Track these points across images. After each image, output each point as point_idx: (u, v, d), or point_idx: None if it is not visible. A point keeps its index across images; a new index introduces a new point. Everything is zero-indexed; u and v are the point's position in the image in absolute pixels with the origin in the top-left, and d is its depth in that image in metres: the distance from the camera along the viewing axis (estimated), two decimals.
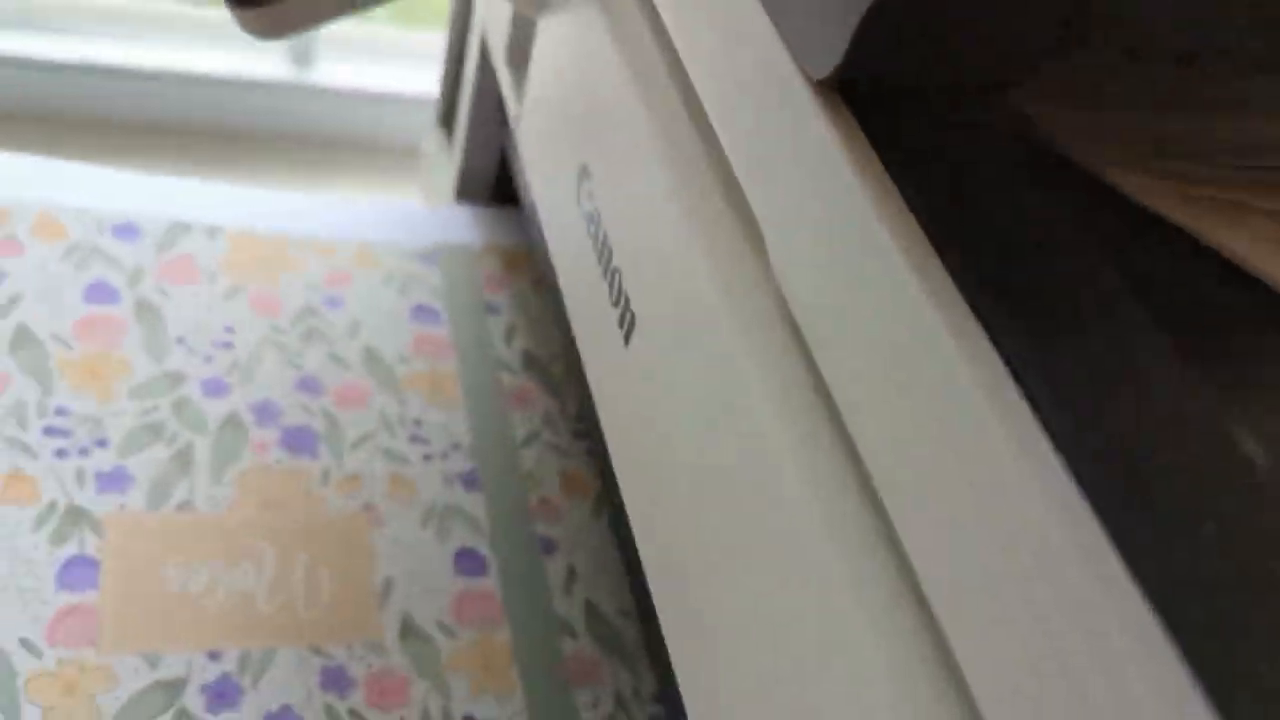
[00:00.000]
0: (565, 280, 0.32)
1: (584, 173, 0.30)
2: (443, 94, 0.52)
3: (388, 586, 0.34)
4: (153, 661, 0.30)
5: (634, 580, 0.36)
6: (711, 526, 0.22)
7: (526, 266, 0.45)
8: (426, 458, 0.37)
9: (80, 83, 0.88)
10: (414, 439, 0.38)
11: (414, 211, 0.46)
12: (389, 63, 0.96)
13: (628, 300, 0.26)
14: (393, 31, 0.97)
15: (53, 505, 0.32)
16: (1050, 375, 0.15)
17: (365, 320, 0.41)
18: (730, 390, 0.21)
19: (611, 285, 0.28)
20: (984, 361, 0.15)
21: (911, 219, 0.16)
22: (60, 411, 0.34)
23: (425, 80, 0.95)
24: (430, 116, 0.54)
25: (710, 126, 0.23)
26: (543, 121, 0.34)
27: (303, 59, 0.93)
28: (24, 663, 0.29)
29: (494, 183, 0.48)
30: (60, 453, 0.33)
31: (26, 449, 0.33)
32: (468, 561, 0.35)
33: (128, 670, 0.30)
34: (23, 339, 0.36)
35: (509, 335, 0.42)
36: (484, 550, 0.35)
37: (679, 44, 0.23)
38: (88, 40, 0.89)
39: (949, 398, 0.15)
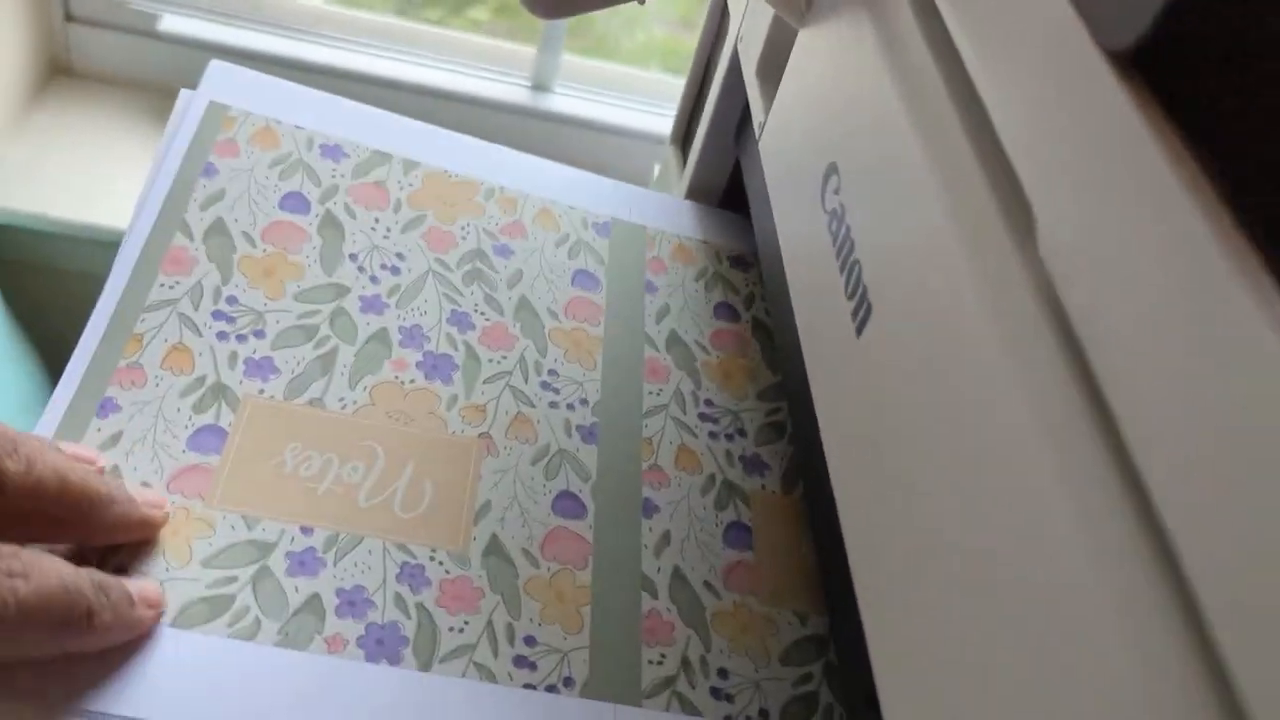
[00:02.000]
0: (795, 275, 0.32)
1: (831, 171, 0.30)
2: (681, 110, 0.53)
3: (485, 508, 0.35)
4: (251, 523, 0.32)
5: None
6: (949, 525, 0.21)
7: (688, 256, 0.46)
8: (553, 405, 0.39)
9: (342, 88, 0.95)
10: (545, 386, 0.39)
11: (604, 184, 0.48)
12: (622, 99, 0.99)
13: (865, 291, 0.26)
14: (630, 70, 1.01)
15: (202, 379, 0.35)
16: None
17: (528, 273, 0.43)
18: (982, 382, 0.21)
19: (849, 279, 0.28)
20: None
21: (1211, 191, 0.16)
22: (231, 300, 0.37)
23: (653, 120, 0.98)
24: (655, 151, 0.56)
25: (981, 113, 0.22)
26: (790, 126, 0.35)
27: (542, 86, 0.98)
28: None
29: (722, 194, 0.49)
30: (221, 335, 0.36)
31: (194, 326, 0.36)
32: (568, 503, 0.36)
33: (226, 525, 0.32)
34: (217, 230, 0.39)
35: (660, 315, 0.43)
36: (586, 497, 0.36)
37: (953, 25, 0.23)
38: (352, 51, 0.96)
39: (1263, 406, 0.14)
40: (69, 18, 0.91)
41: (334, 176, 0.43)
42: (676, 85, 0.99)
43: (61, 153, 0.87)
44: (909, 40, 0.26)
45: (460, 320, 0.40)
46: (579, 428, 0.38)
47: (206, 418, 0.34)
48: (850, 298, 0.27)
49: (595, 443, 0.38)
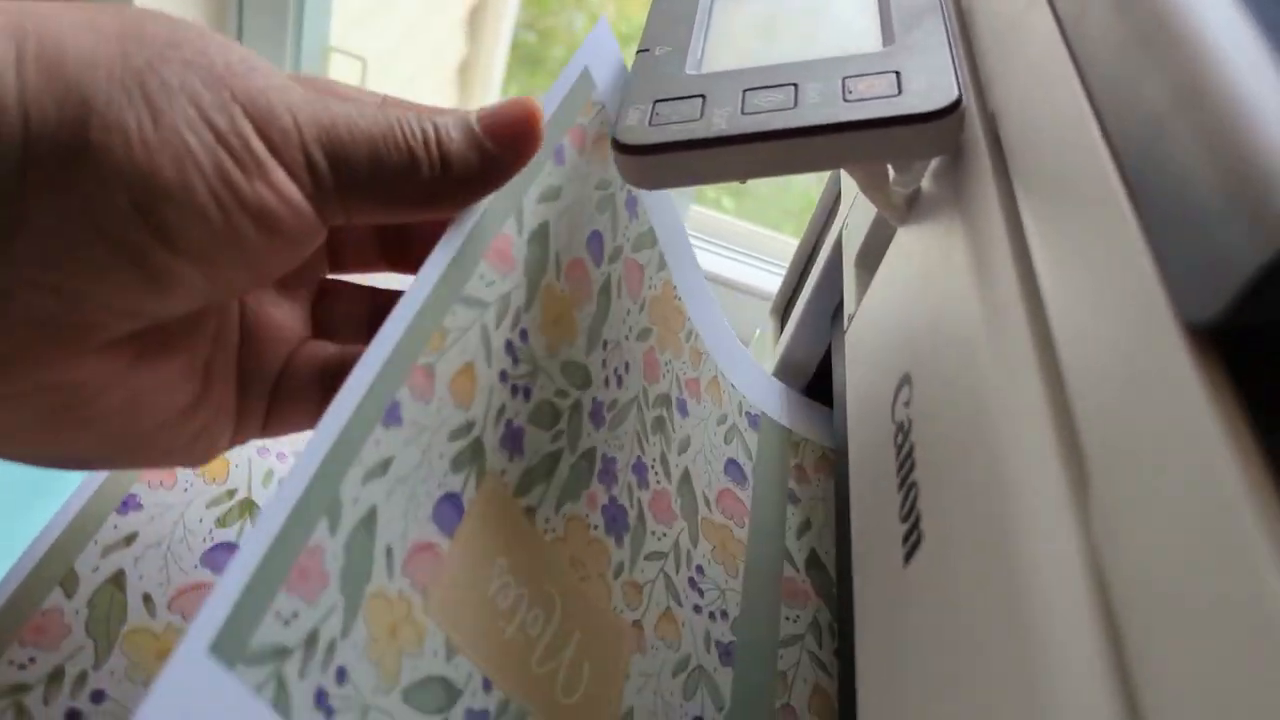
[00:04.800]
0: (856, 485, 0.31)
1: (905, 381, 0.29)
2: (785, 283, 0.53)
3: (627, 716, 0.32)
4: (450, 653, 0.26)
5: None
6: None
7: (831, 469, 0.44)
8: (697, 609, 0.36)
9: None
10: (692, 584, 0.36)
11: (759, 370, 0.45)
12: (741, 255, 1.00)
13: (919, 518, 0.25)
14: (751, 228, 1.01)
15: (471, 425, 0.28)
16: None
17: (694, 443, 0.39)
18: (1019, 640, 0.19)
19: (905, 499, 0.26)
20: None
21: (1272, 485, 0.14)
22: (523, 335, 0.30)
23: (766, 278, 0.98)
24: (764, 312, 0.55)
25: (1053, 359, 0.21)
26: (876, 323, 0.33)
27: None
28: (379, 575, 0.24)
29: (810, 378, 0.48)
30: (503, 375, 0.30)
31: (488, 350, 0.29)
32: None
33: (432, 645, 0.26)
34: (540, 235, 0.31)
35: (801, 529, 0.40)
36: None
37: (1041, 268, 0.22)
38: None
39: None
40: None
41: (625, 236, 0.36)
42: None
43: None
44: (998, 266, 0.25)
45: (640, 473, 0.36)
46: (718, 644, 0.35)
47: (456, 482, 0.27)
48: (904, 520, 0.26)
49: (732, 665, 0.35)
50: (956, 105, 0.29)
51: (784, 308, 0.53)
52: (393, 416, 0.25)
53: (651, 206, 0.38)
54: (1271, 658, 0.13)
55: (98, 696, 0.29)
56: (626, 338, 0.35)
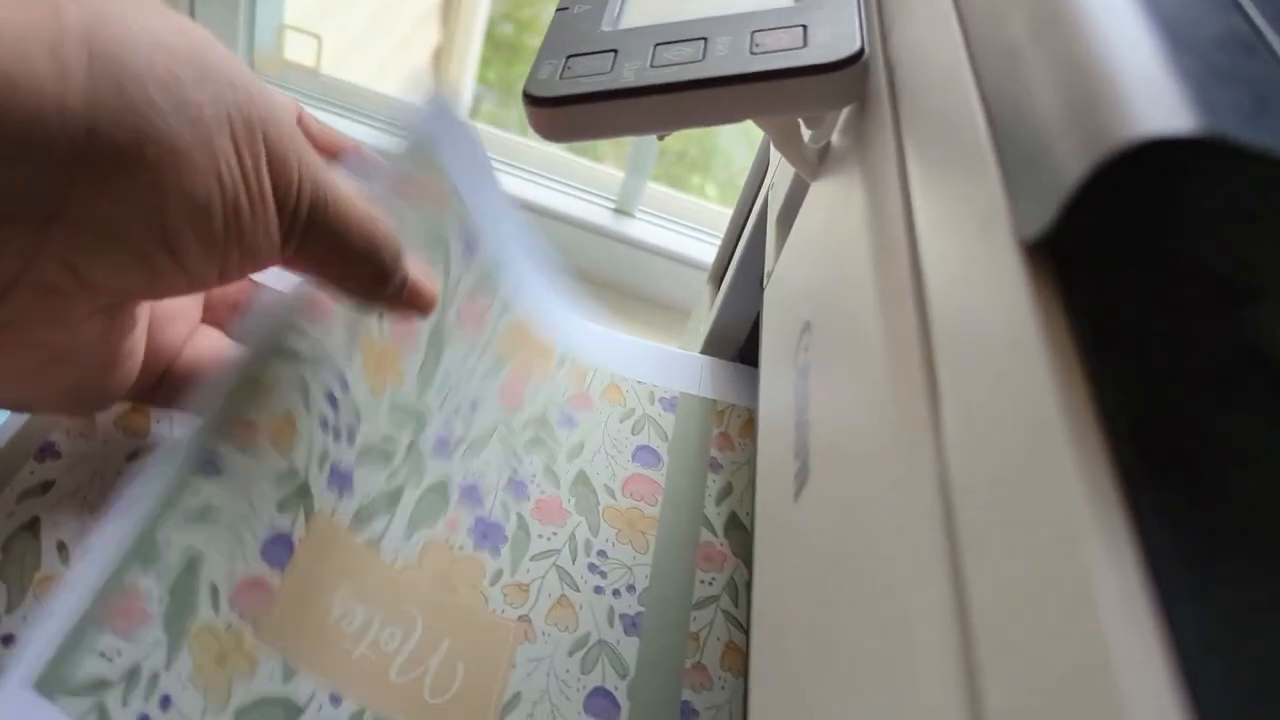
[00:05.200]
0: (764, 434, 0.31)
1: (806, 328, 0.29)
2: (720, 252, 0.53)
3: (514, 702, 0.33)
4: (288, 674, 0.30)
5: None
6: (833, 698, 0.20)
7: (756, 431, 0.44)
8: (598, 590, 0.37)
9: None
10: (592, 568, 0.37)
11: (672, 355, 0.47)
12: (695, 232, 1.00)
13: (808, 454, 0.25)
14: (709, 205, 1.02)
15: (293, 471, 0.31)
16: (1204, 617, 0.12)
17: (589, 445, 0.41)
18: (886, 560, 0.19)
19: (798, 438, 0.27)
20: (1132, 595, 0.13)
21: (1090, 413, 0.15)
22: (343, 384, 0.33)
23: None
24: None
25: (920, 287, 0.22)
26: (789, 278, 0.34)
27: (624, 210, 0.99)
28: (205, 610, 0.28)
29: (743, 343, 0.48)
30: (324, 422, 0.33)
31: (307, 400, 0.32)
32: (601, 702, 0.34)
33: (267, 668, 0.29)
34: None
35: (721, 495, 0.41)
36: (621, 696, 0.34)
37: (916, 203, 0.23)
38: None
39: (1083, 623, 0.13)
40: None
41: (458, 277, 0.38)
42: None
43: None
44: (888, 207, 0.26)
45: (517, 489, 0.38)
46: (623, 617, 0.36)
47: (284, 522, 0.31)
48: (796, 457, 0.26)
49: (637, 634, 0.36)
50: (859, 56, 0.29)
51: (719, 276, 0.53)
52: (211, 467, 0.29)
53: (493, 239, 0.40)
54: (1047, 539, 0.14)
55: (8, 640, 0.29)
56: (468, 378, 0.39)
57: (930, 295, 0.21)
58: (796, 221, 0.35)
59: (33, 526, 0.31)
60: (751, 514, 0.40)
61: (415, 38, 1.91)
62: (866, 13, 0.31)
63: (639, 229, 0.99)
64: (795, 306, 0.31)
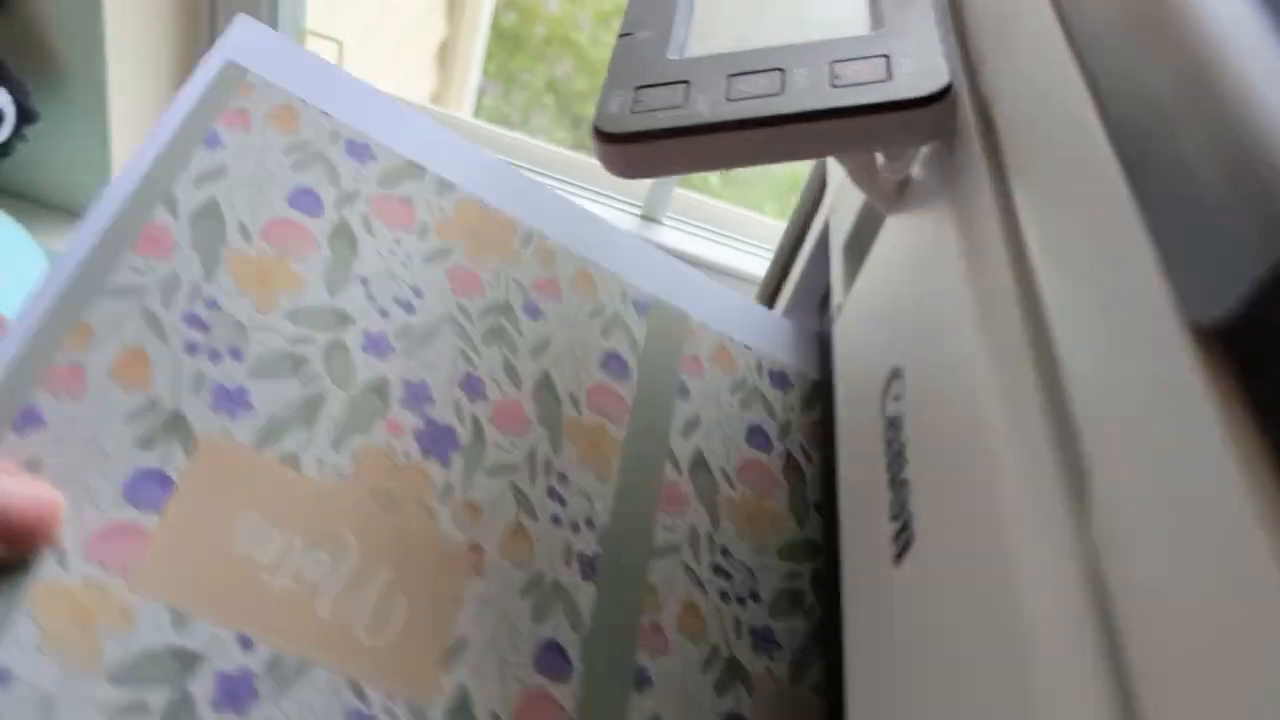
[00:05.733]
0: (847, 478, 0.30)
1: (895, 375, 0.28)
2: (770, 272, 0.52)
3: (459, 647, 0.29)
4: (179, 621, 0.26)
5: None
6: None
7: (730, 361, 0.40)
8: (555, 520, 0.33)
9: None
10: (552, 493, 0.33)
11: (653, 254, 0.42)
12: (726, 237, 0.99)
13: (910, 518, 0.24)
14: (739, 211, 1.01)
15: (155, 402, 0.28)
16: None
17: (554, 344, 0.37)
18: (1012, 645, 0.18)
19: (896, 497, 0.25)
20: None
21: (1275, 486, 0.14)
22: (211, 303, 0.31)
23: (751, 261, 0.98)
24: (750, 293, 0.54)
25: (1050, 356, 0.20)
26: (865, 314, 0.33)
27: (651, 217, 0.98)
28: (48, 570, 0.25)
29: None
30: (191, 346, 0.30)
31: (159, 329, 0.30)
32: (553, 658, 0.30)
33: (149, 619, 0.26)
34: (208, 213, 0.33)
35: (689, 427, 0.37)
36: (574, 654, 0.31)
37: (1037, 260, 0.22)
38: None
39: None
40: None
41: (357, 180, 0.36)
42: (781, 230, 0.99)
43: None
44: (992, 257, 0.25)
45: (473, 386, 0.34)
46: (580, 556, 0.32)
47: (152, 458, 0.28)
48: (893, 519, 0.25)
49: (595, 579, 0.32)
50: (947, 90, 0.28)
51: (771, 295, 0.52)
52: (29, 420, 0.27)
53: (401, 141, 0.38)
54: (1271, 661, 0.13)
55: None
56: (405, 265, 0.35)
57: (1063, 368, 0.19)
58: (872, 254, 0.33)
59: None
60: (716, 453, 0.37)
61: (424, 28, 1.90)
62: (946, 39, 0.30)
63: (668, 237, 0.98)
64: (879, 348, 0.30)
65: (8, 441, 0.26)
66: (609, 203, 0.99)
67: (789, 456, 0.39)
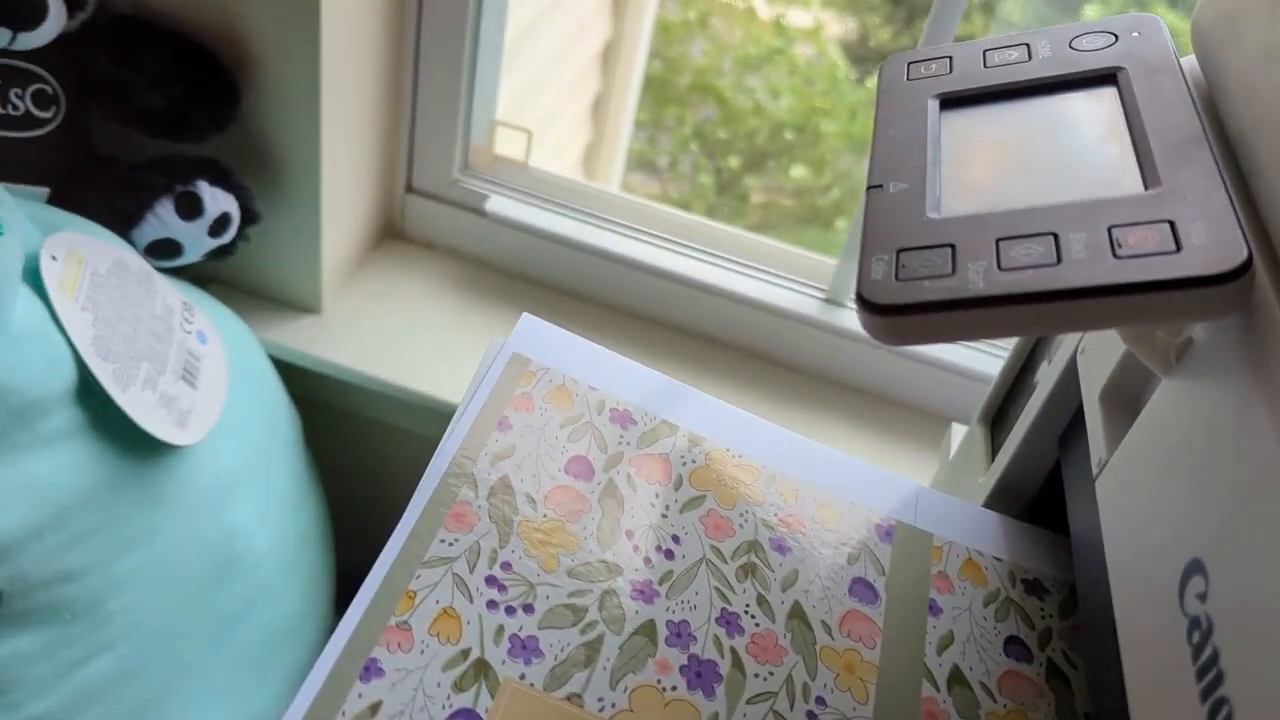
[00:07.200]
0: (1134, 669, 0.28)
1: (1196, 568, 0.26)
2: (994, 390, 0.50)
3: None
4: None
5: None
6: None
7: (979, 573, 0.41)
8: None
9: (631, 277, 0.98)
10: (811, 716, 0.35)
11: (891, 480, 0.44)
12: None
13: None
14: None
15: (466, 652, 0.34)
16: None
17: (804, 575, 0.39)
18: None
19: (1212, 716, 0.24)
20: None
21: None
22: (505, 566, 0.36)
23: (957, 353, 0.95)
24: (965, 394, 0.53)
25: None
26: (1140, 486, 0.31)
27: (835, 300, 0.97)
28: None
29: (1032, 498, 0.45)
30: (491, 604, 0.35)
31: (466, 591, 0.35)
32: None
33: None
34: (502, 488, 0.38)
35: (943, 645, 0.38)
36: None
37: None
38: (657, 247, 0.99)
39: None
40: (409, 189, 1.00)
41: (620, 444, 0.42)
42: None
43: (383, 310, 0.94)
44: None
45: (729, 622, 0.37)
46: None
47: (465, 699, 0.33)
48: None
49: None
50: (1247, 266, 0.26)
51: (994, 416, 0.50)
52: (371, 671, 0.32)
53: (660, 403, 0.44)
54: None
55: None
56: (664, 516, 0.39)
57: None
58: (1145, 415, 0.32)
59: None
60: (974, 669, 0.38)
61: (582, 84, 1.94)
62: (1235, 202, 0.29)
63: (854, 320, 0.97)
64: (1169, 532, 0.28)
65: (355, 689, 0.32)
66: (791, 286, 0.98)
67: (1051, 665, 0.39)
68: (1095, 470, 0.34)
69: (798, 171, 2.13)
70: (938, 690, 0.37)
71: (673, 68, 2.27)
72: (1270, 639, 0.22)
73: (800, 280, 0.99)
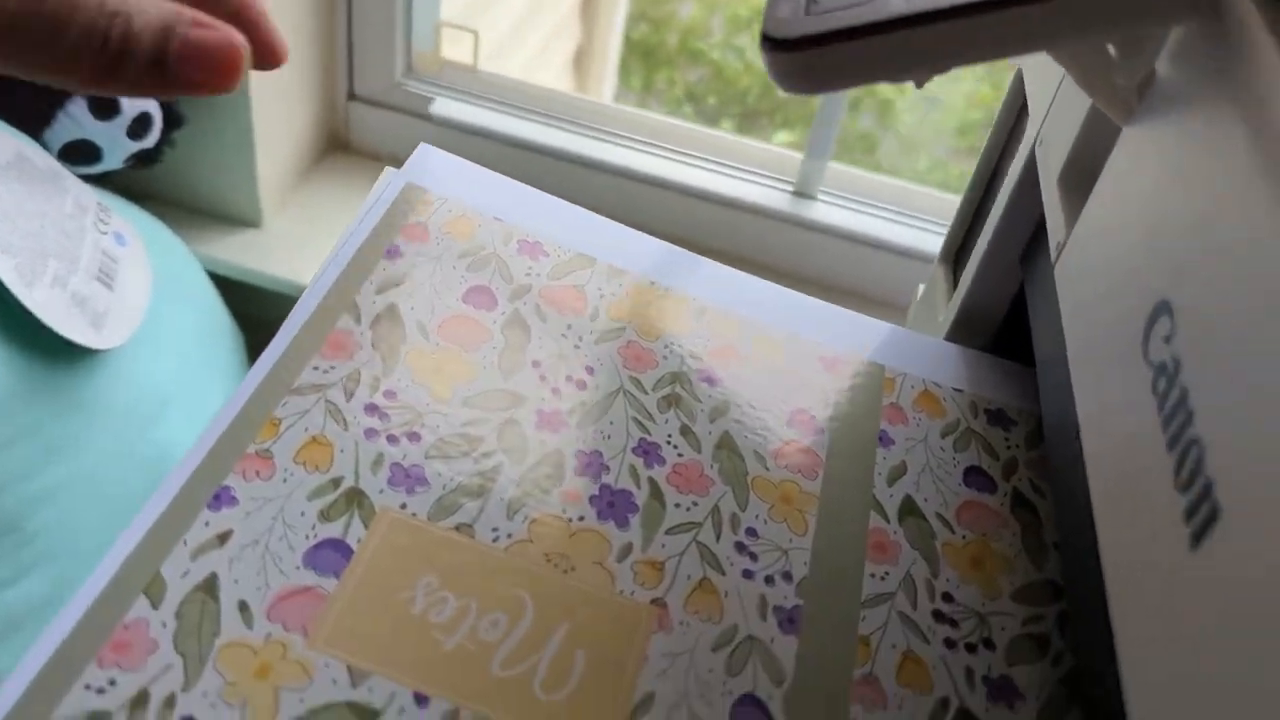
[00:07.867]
0: (1095, 449, 0.25)
1: (1160, 311, 0.22)
2: (955, 226, 0.46)
3: (645, 704, 0.28)
4: (357, 678, 0.27)
5: None
6: None
7: (934, 405, 0.38)
8: (747, 574, 0.31)
9: (600, 181, 0.93)
10: (740, 548, 0.32)
11: (833, 312, 0.41)
12: (889, 212, 0.93)
13: (1208, 486, 0.18)
14: (900, 183, 0.94)
15: (337, 480, 0.31)
16: None
17: (735, 405, 0.36)
18: None
19: (1181, 463, 0.20)
20: None
21: None
22: (389, 394, 0.33)
23: (921, 237, 0.91)
24: (921, 273, 0.49)
25: None
26: (1101, 250, 0.27)
27: (804, 193, 0.93)
28: (232, 627, 0.27)
29: (994, 332, 0.41)
30: (370, 432, 0.32)
31: (341, 419, 0.32)
32: (750, 712, 0.28)
33: (326, 675, 0.27)
34: (388, 316, 0.35)
35: (894, 475, 0.35)
36: (775, 708, 0.28)
37: None
38: (614, 145, 0.94)
39: None
40: (351, 96, 0.95)
41: (529, 275, 0.38)
42: (950, 203, 0.91)
43: (326, 222, 0.90)
44: None
45: (648, 452, 0.34)
46: (777, 609, 0.31)
47: (333, 528, 0.30)
48: (1184, 490, 0.19)
49: (796, 632, 0.30)
50: None
51: (956, 252, 0.46)
52: (222, 500, 0.29)
53: (576, 236, 0.40)
54: None
55: None
56: (577, 346, 0.36)
57: None
58: (1103, 178, 0.28)
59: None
60: (929, 500, 0.34)
61: (560, 37, 1.89)
62: None
63: (825, 212, 0.92)
64: (1131, 283, 0.24)
65: (202, 517, 0.29)
66: (760, 181, 0.94)
67: (1017, 494, 0.35)
68: (1054, 256, 0.30)
69: (781, 137, 2.08)
70: (887, 521, 0.34)
71: (659, 28, 2.21)
72: (1240, 355, 0.18)
73: (767, 174, 0.94)
